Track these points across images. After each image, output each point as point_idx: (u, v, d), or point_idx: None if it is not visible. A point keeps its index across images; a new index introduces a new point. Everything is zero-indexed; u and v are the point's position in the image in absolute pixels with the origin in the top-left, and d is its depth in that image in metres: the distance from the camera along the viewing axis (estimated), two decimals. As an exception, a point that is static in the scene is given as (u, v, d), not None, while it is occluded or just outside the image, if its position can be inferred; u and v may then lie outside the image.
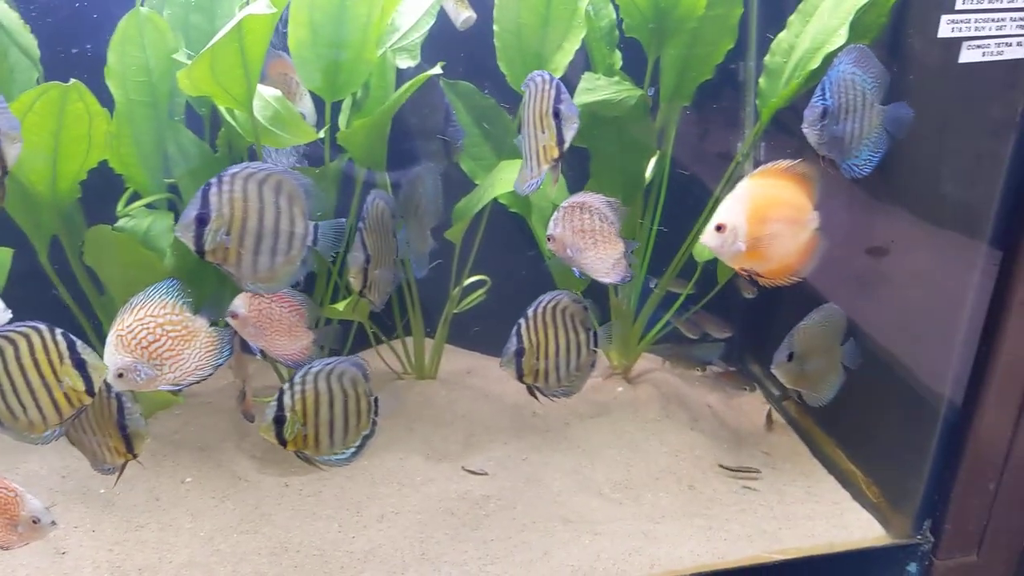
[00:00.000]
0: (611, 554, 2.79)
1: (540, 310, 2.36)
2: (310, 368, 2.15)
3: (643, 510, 3.03)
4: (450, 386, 3.62)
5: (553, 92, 2.18)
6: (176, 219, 2.61)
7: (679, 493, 3.13)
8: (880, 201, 3.01)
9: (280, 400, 2.14)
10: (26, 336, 1.93)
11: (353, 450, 2.26)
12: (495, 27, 2.97)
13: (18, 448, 3.12)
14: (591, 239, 2.42)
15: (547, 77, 2.20)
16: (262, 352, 2.58)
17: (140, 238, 2.83)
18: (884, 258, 3.04)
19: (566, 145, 2.21)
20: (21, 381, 1.95)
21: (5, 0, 2.76)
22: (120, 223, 2.88)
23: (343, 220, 2.20)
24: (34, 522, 2.14)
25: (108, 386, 2.08)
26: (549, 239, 2.43)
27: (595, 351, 2.45)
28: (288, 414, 2.14)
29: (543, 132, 2.21)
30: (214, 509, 2.92)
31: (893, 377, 2.98)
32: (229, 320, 2.46)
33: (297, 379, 2.14)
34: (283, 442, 2.16)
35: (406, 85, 2.79)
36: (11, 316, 1.99)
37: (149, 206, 2.95)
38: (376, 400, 2.27)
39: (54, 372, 1.96)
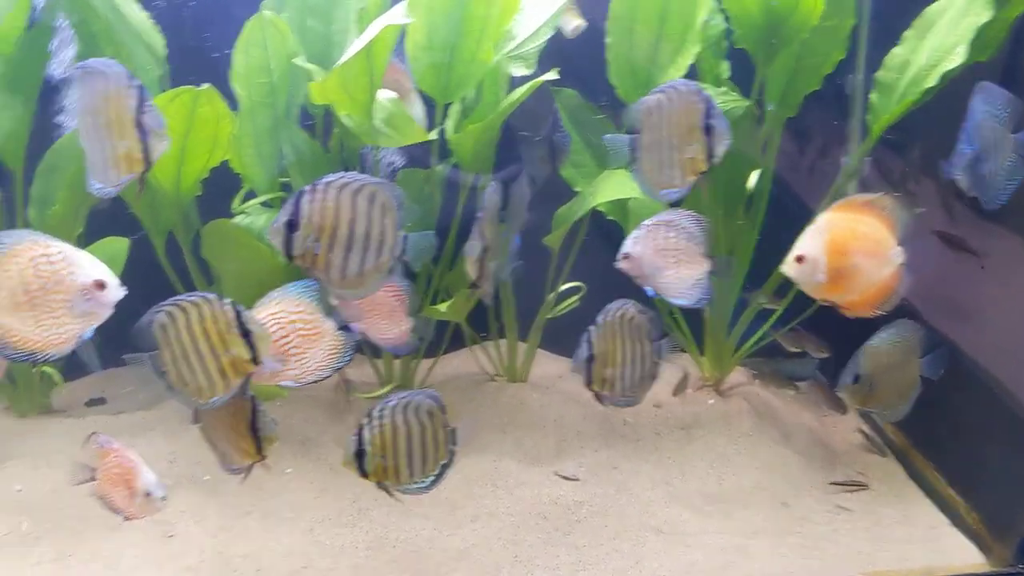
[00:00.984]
0: (704, 567, 2.77)
1: (609, 318, 2.36)
2: (387, 402, 2.19)
3: (735, 524, 3.01)
4: (541, 390, 3.64)
5: (703, 106, 2.17)
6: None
7: (771, 509, 3.10)
8: (988, 224, 2.95)
9: (360, 435, 2.20)
10: (196, 305, 2.02)
11: (432, 478, 2.31)
12: (607, 39, 2.98)
13: (127, 431, 3.27)
14: (673, 258, 2.40)
15: (693, 88, 2.18)
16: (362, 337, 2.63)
17: (256, 234, 2.92)
18: (991, 282, 2.97)
19: (716, 159, 2.21)
20: (191, 348, 2.03)
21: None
22: (237, 219, 2.97)
23: (432, 232, 2.24)
24: (147, 495, 2.21)
25: (243, 389, 2.15)
26: (624, 257, 2.39)
27: (658, 362, 2.46)
28: (368, 448, 2.20)
29: (689, 144, 2.20)
30: (314, 501, 2.99)
31: (999, 404, 2.91)
32: (332, 300, 2.51)
33: (376, 413, 2.19)
34: (364, 474, 2.23)
35: (520, 89, 2.82)
36: (126, 292, 2.05)
37: (265, 203, 3.03)
38: (454, 431, 2.30)
39: (222, 340, 2.05)
